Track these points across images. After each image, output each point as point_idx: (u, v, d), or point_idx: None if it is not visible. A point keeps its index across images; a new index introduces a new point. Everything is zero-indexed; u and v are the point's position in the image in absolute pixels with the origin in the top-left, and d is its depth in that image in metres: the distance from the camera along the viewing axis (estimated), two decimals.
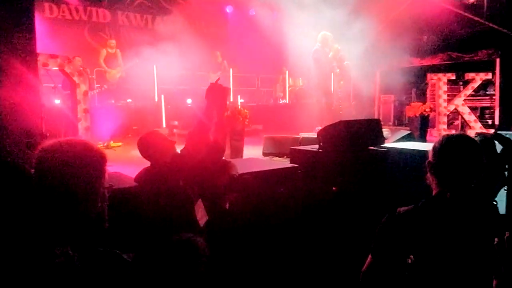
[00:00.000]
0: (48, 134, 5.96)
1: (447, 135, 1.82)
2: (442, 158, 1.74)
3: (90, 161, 1.26)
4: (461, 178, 1.71)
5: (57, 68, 6.68)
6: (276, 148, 6.85)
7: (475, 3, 10.23)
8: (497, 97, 10.06)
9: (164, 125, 8.92)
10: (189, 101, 10.47)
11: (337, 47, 8.37)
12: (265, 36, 12.10)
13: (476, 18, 10.21)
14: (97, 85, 8.76)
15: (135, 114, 9.06)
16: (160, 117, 9.04)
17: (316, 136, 4.79)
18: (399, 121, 11.33)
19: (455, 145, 1.75)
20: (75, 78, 6.63)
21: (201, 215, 2.71)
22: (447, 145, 1.75)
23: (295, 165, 4.04)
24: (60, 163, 1.20)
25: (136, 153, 7.51)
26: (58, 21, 11.08)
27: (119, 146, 7.51)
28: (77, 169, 1.22)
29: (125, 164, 5.57)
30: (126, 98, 9.89)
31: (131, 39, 11.97)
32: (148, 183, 2.77)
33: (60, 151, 1.22)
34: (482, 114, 10.66)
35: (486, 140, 3.50)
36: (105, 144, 7.19)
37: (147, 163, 3.04)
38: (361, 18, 9.87)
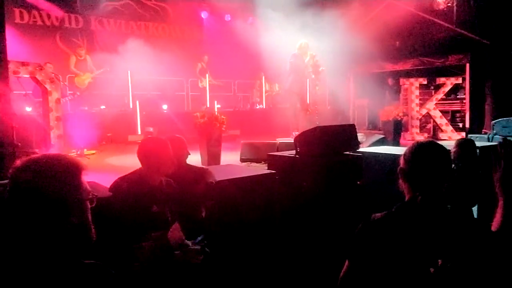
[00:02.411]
0: (19, 144, 5.82)
1: (418, 142, 1.88)
2: (414, 165, 1.78)
3: (64, 173, 1.24)
4: (433, 183, 1.75)
5: (28, 76, 6.52)
6: (253, 154, 6.85)
7: (445, 9, 10.52)
8: (467, 101, 10.37)
9: (139, 132, 8.81)
10: (164, 107, 10.38)
11: (312, 53, 8.46)
12: (241, 41, 12.14)
13: (446, 24, 10.50)
14: (70, 92, 8.59)
15: (109, 121, 8.91)
16: (135, 123, 8.92)
17: (292, 141, 4.82)
18: (373, 125, 11.53)
19: (426, 152, 1.80)
20: (47, 86, 6.48)
21: (176, 236, 2.65)
22: (418, 152, 1.80)
23: (273, 171, 4.05)
24: (33, 179, 1.19)
25: (111, 160, 7.41)
26: (29, 27, 10.83)
27: (93, 154, 7.38)
28: (51, 183, 1.21)
29: (100, 173, 5.47)
30: (99, 105, 9.74)
31: (105, 45, 11.80)
32: (122, 194, 2.70)
33: (33, 167, 1.21)
34: (453, 117, 10.97)
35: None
36: (78, 152, 7.05)
37: (122, 172, 2.98)
38: (335, 24, 10.03)
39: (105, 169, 5.89)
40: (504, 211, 1.67)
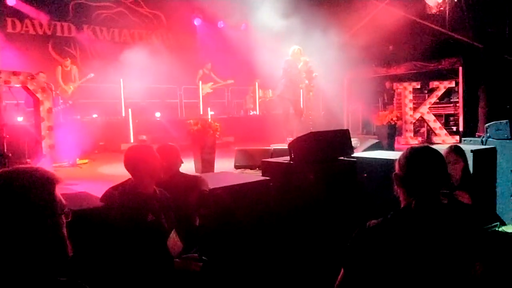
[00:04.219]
0: (10, 154, 5.76)
1: (412, 147, 1.86)
2: (408, 170, 1.76)
3: (37, 186, 1.20)
4: (428, 188, 1.73)
5: (19, 85, 6.46)
6: (248, 161, 6.81)
7: (437, 13, 10.58)
8: (460, 104, 10.40)
9: (132, 140, 8.76)
10: (157, 114, 10.35)
11: (305, 58, 8.46)
12: (234, 48, 12.14)
13: (438, 28, 10.56)
14: (62, 101, 8.53)
15: (102, 130, 8.85)
16: (127, 131, 8.86)
17: (287, 147, 4.79)
18: (368, 130, 11.53)
19: (421, 157, 1.78)
20: (39, 95, 6.43)
21: (175, 244, 2.61)
22: (412, 157, 1.78)
23: (267, 178, 4.01)
24: (5, 192, 1.15)
25: (104, 169, 7.36)
26: (21, 36, 10.78)
27: (86, 163, 7.30)
28: (24, 196, 1.17)
29: (93, 182, 5.41)
30: (92, 113, 9.69)
31: (97, 53, 11.77)
32: (115, 204, 2.66)
33: (4, 180, 1.17)
34: (447, 121, 10.98)
35: None
36: (70, 162, 6.97)
37: (115, 181, 2.94)
38: (328, 30, 10.06)
39: (98, 179, 5.83)
40: None
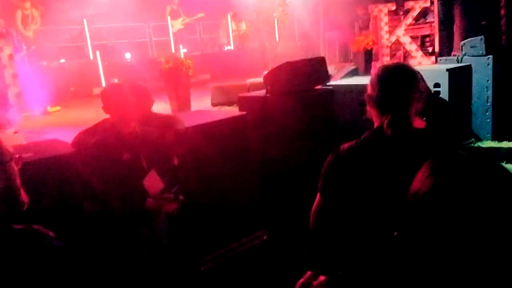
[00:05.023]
0: None
1: (383, 65, 1.79)
2: (380, 88, 1.69)
3: None
4: (400, 106, 1.67)
5: None
6: (224, 97, 6.71)
7: None
8: (436, 24, 10.25)
9: (103, 84, 8.47)
10: (127, 55, 9.96)
11: None
12: None
13: None
14: (25, 47, 8.09)
15: (71, 75, 8.50)
16: (98, 75, 8.54)
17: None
18: (345, 57, 11.39)
19: (391, 74, 1.71)
20: None
21: (155, 183, 2.57)
22: (383, 75, 1.71)
23: (244, 113, 3.93)
24: None
25: (77, 115, 7.15)
26: None
27: (58, 110, 7.09)
28: None
29: (66, 129, 5.27)
30: (58, 59, 9.26)
31: None
32: (87, 148, 2.59)
33: None
34: (423, 42, 10.88)
35: None
36: (41, 110, 6.74)
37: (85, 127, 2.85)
38: None
39: (71, 125, 5.67)
40: None
